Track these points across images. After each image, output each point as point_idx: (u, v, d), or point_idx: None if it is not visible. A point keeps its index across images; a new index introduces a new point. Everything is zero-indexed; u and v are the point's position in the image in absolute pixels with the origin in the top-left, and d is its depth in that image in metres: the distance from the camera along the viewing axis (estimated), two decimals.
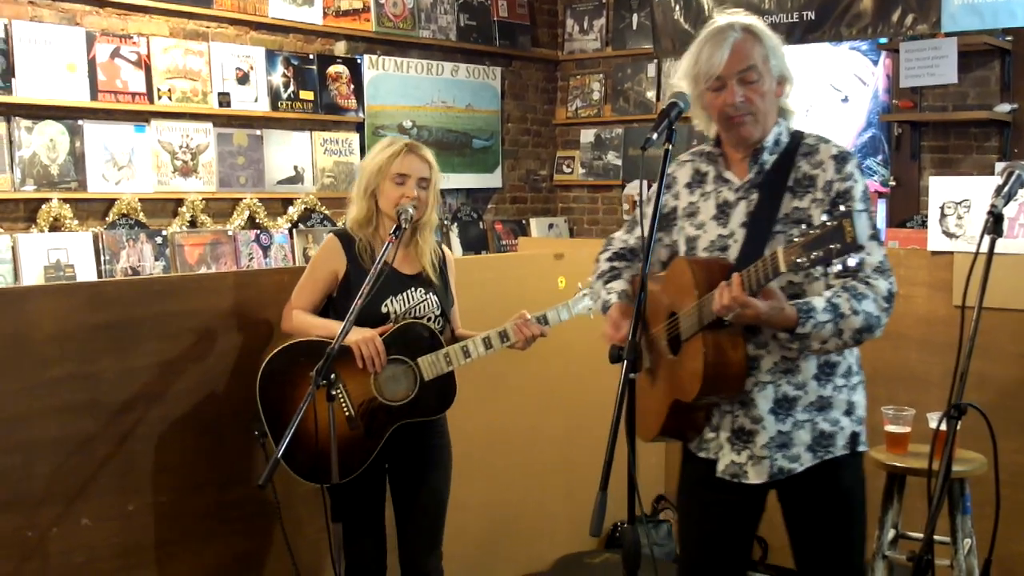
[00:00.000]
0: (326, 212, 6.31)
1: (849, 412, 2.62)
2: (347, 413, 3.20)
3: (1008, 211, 2.51)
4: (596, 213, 8.02)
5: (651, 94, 7.52)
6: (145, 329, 3.33)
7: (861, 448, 2.65)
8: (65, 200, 5.27)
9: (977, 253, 2.35)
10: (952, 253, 4.26)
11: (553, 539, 4.67)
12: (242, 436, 3.53)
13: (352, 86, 6.63)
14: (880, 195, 6.58)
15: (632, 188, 7.49)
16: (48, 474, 3.13)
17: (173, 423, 3.40)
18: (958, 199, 4.27)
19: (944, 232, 4.30)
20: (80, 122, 5.37)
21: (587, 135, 7.96)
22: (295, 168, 6.32)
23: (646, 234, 2.44)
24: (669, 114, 2.47)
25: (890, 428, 3.73)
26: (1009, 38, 6.05)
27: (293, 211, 6.23)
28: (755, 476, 2.59)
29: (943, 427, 2.29)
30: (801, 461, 2.57)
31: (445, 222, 7.27)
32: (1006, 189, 2.43)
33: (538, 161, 8.12)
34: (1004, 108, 6.04)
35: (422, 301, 3.35)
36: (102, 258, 5.33)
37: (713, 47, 2.57)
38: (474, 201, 7.62)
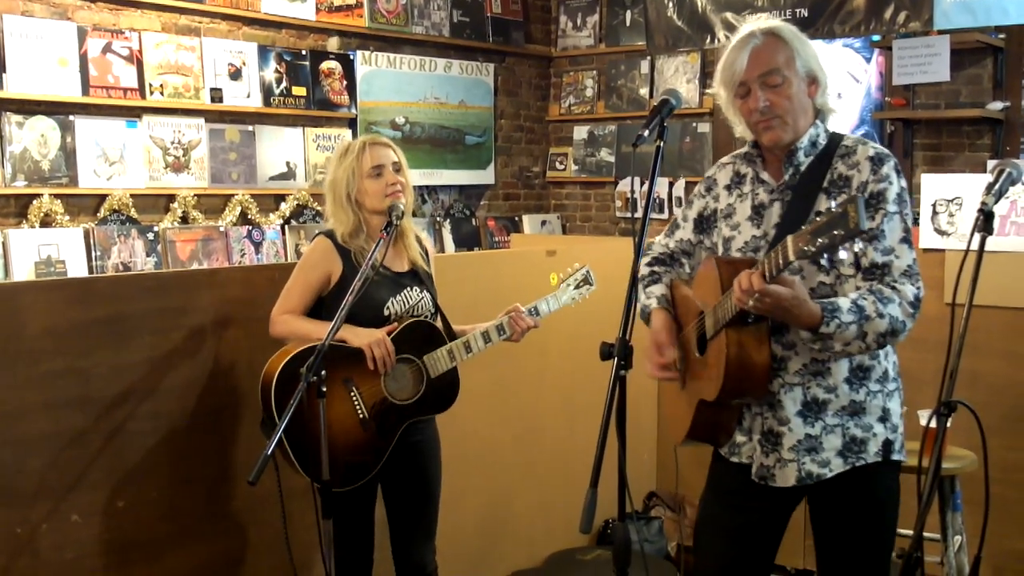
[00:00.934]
0: (318, 208, 6.30)
1: (884, 419, 2.57)
2: (361, 416, 3.19)
3: (999, 209, 2.52)
4: (589, 210, 8.02)
5: (644, 91, 7.52)
6: (136, 325, 3.32)
7: (896, 456, 2.60)
8: (56, 196, 5.26)
9: (967, 251, 2.35)
10: (944, 251, 4.27)
11: (546, 535, 4.67)
12: (233, 432, 3.53)
13: (345, 82, 6.62)
14: None
15: (624, 185, 7.49)
16: (39, 470, 3.12)
17: (165, 419, 3.39)
18: (950, 196, 4.28)
19: (936, 229, 4.31)
20: (71, 117, 5.36)
21: (580, 132, 7.96)
22: (287, 164, 6.31)
23: (638, 228, 2.43)
24: (661, 111, 2.47)
25: None
26: (1002, 36, 6.06)
27: (285, 207, 6.22)
28: (782, 479, 2.57)
29: (933, 424, 2.29)
30: (831, 467, 2.54)
31: (438, 218, 7.26)
32: (997, 187, 2.43)
33: (531, 158, 8.11)
34: (996, 106, 6.05)
35: (419, 300, 3.36)
36: (93, 254, 5.31)
37: (735, 54, 2.58)
38: (467, 197, 7.62)
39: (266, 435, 3.09)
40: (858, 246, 2.11)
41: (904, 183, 2.56)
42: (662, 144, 2.46)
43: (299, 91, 6.35)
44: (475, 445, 4.25)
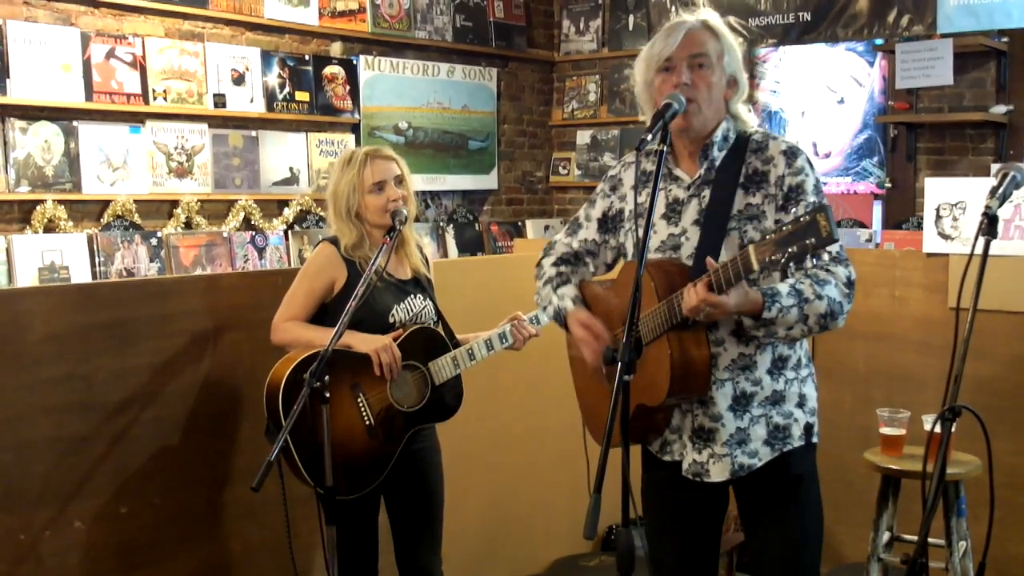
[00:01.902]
0: (321, 213, 6.30)
1: (801, 404, 2.63)
2: (368, 423, 3.19)
3: (1003, 212, 2.51)
4: None
5: None
6: (139, 330, 3.33)
7: (815, 439, 2.66)
8: (60, 201, 5.26)
9: (972, 255, 2.35)
10: (948, 255, 4.26)
11: (549, 541, 4.67)
12: (236, 437, 3.53)
13: (348, 87, 6.62)
14: (876, 197, 6.59)
15: None
16: (42, 475, 3.12)
17: (167, 424, 3.39)
18: (954, 200, 4.27)
19: (940, 234, 4.30)
20: (75, 123, 5.36)
21: (583, 136, 7.96)
22: (290, 169, 6.31)
23: (640, 234, 2.42)
24: (664, 115, 2.46)
25: (885, 430, 3.73)
26: (1005, 39, 6.06)
27: (288, 212, 6.22)
28: (716, 474, 2.59)
29: (938, 429, 2.28)
30: (760, 456, 2.58)
31: (441, 223, 7.26)
32: (1001, 190, 2.42)
33: (534, 162, 8.11)
34: (1000, 109, 6.04)
35: (423, 308, 3.37)
36: (96, 260, 5.31)
37: (666, 33, 2.59)
38: (470, 203, 7.62)
39: (270, 442, 3.08)
40: (825, 256, 2.11)
41: (817, 175, 2.60)
42: (665, 148, 2.46)
43: (302, 96, 6.36)
44: (477, 448, 4.24)
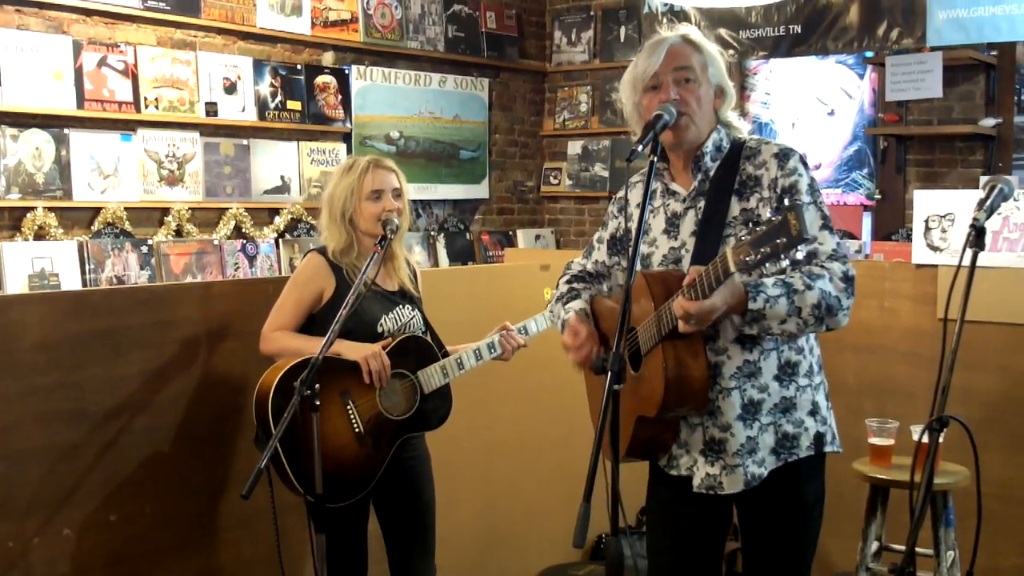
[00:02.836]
0: (312, 222, 6.30)
1: (813, 412, 2.60)
2: (357, 430, 3.19)
3: (991, 224, 2.53)
4: (583, 224, 8.04)
5: None
6: (130, 338, 3.32)
7: (828, 449, 2.62)
8: (50, 209, 5.26)
9: (960, 266, 2.36)
10: (936, 266, 4.28)
11: (539, 549, 4.66)
12: (226, 446, 3.52)
13: (340, 96, 6.63)
14: (865, 208, 6.61)
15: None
16: (32, 483, 3.11)
17: (158, 432, 3.39)
18: (943, 212, 4.29)
19: (929, 245, 4.32)
20: (66, 130, 5.36)
21: (574, 147, 7.98)
22: (282, 178, 6.32)
23: (631, 244, 2.43)
24: (655, 126, 2.47)
25: (874, 440, 3.74)
26: (994, 53, 6.09)
27: (279, 221, 6.22)
28: (730, 486, 2.56)
29: (925, 439, 2.29)
30: (766, 465, 2.55)
31: (432, 232, 7.27)
32: (988, 203, 2.44)
33: (525, 172, 8.13)
34: (989, 122, 6.08)
35: (411, 319, 3.37)
36: (87, 267, 5.31)
37: (649, 52, 2.61)
38: (461, 212, 7.63)
39: (260, 450, 3.07)
40: (800, 254, 2.11)
41: (812, 175, 2.59)
42: (655, 159, 2.47)
43: (294, 105, 6.36)
44: (468, 457, 4.24)
